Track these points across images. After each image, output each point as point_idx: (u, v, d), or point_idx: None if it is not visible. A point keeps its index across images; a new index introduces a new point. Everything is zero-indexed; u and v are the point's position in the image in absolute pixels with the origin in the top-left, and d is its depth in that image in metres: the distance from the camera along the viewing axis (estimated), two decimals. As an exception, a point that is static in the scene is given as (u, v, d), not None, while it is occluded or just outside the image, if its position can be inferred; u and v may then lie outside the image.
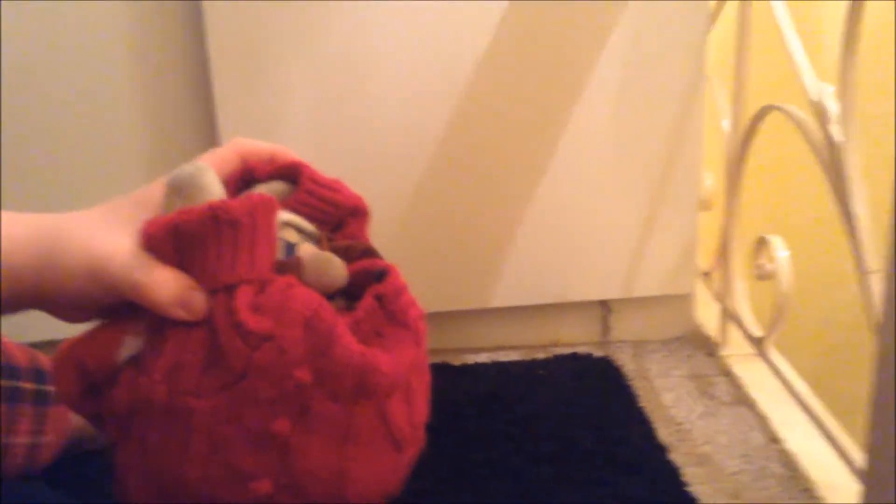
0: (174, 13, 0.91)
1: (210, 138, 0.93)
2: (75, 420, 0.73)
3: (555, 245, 0.97)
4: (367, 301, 0.40)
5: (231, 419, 0.37)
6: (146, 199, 0.41)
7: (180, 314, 0.38)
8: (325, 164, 0.47)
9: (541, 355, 0.99)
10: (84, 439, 0.78)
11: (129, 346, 0.40)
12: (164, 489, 0.38)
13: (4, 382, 0.66)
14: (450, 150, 0.92)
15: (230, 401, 0.37)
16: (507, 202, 0.95)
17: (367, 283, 0.41)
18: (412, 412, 0.42)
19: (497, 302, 0.99)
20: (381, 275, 0.41)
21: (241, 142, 0.46)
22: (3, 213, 0.41)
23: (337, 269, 0.41)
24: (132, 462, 0.39)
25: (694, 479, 0.76)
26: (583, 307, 1.02)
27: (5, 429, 0.65)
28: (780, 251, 0.80)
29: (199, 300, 0.38)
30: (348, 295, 0.42)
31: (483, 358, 1.00)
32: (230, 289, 0.37)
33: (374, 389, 0.38)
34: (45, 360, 0.73)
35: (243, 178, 0.45)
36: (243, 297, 0.37)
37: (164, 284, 0.38)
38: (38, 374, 0.70)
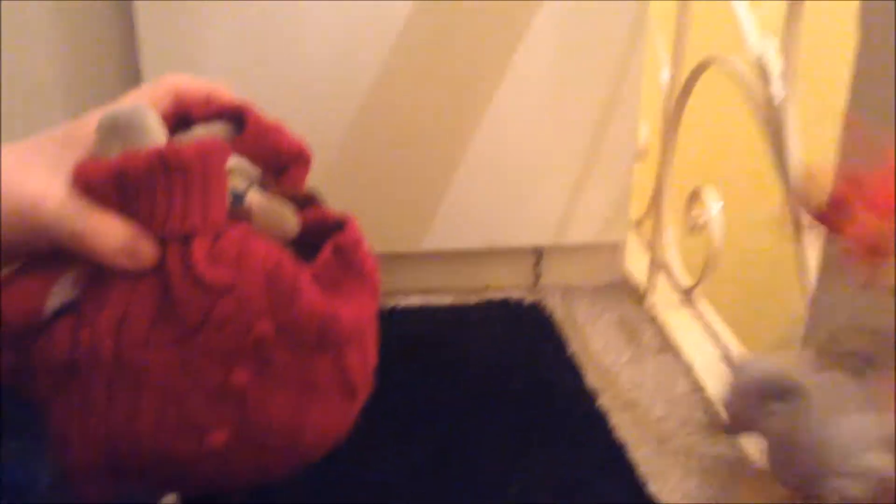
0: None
1: (132, 70, 0.87)
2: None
3: (489, 190, 0.96)
4: (326, 252, 0.38)
5: (186, 372, 0.35)
6: (74, 139, 0.38)
7: (126, 264, 0.35)
8: (250, 100, 0.45)
9: (472, 300, 0.99)
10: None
11: (59, 295, 0.37)
12: (111, 445, 0.36)
13: None
14: (384, 91, 0.90)
15: (185, 354, 0.35)
16: (443, 146, 0.93)
17: (320, 233, 0.39)
18: (366, 360, 0.41)
19: (429, 245, 0.98)
20: (340, 226, 0.39)
21: (174, 79, 0.43)
22: None
23: (289, 219, 0.39)
24: (73, 419, 0.36)
25: (621, 423, 0.78)
26: (515, 253, 1.02)
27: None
28: (714, 202, 0.82)
29: (146, 249, 0.35)
30: (296, 242, 0.40)
31: (413, 301, 0.99)
32: (184, 239, 0.35)
33: (334, 341, 0.37)
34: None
35: (177, 118, 0.42)
36: (200, 247, 0.35)
37: (108, 232, 0.35)
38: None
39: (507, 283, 1.03)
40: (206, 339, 0.35)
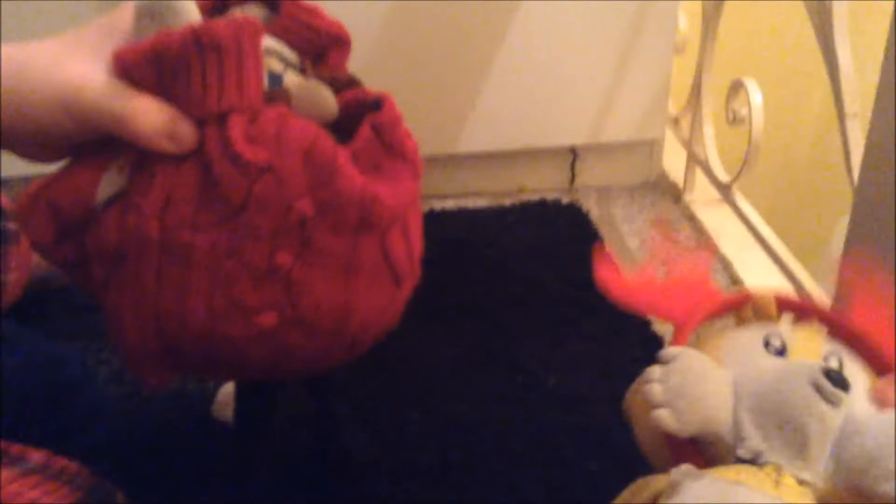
0: None
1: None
2: (37, 258, 0.71)
3: (523, 90, 0.94)
4: (365, 131, 0.38)
5: (231, 254, 0.36)
6: (113, 26, 0.38)
7: (167, 146, 0.36)
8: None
9: (508, 202, 0.99)
10: (47, 278, 0.77)
11: (108, 184, 0.37)
12: (163, 329, 0.37)
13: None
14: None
15: (229, 235, 0.35)
16: (475, 45, 0.91)
17: (359, 114, 0.39)
18: (410, 246, 0.41)
19: (463, 147, 0.97)
20: (377, 104, 0.39)
21: None
22: None
23: (328, 100, 0.38)
24: (126, 304, 0.37)
25: (657, 318, 0.78)
26: (550, 153, 1.01)
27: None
28: (755, 95, 0.80)
29: (186, 130, 0.36)
30: (337, 128, 0.40)
31: (449, 204, 0.99)
32: (221, 118, 0.35)
33: (376, 222, 0.37)
34: (2, 197, 0.70)
35: (214, 3, 0.42)
36: (237, 126, 0.35)
37: (148, 114, 0.35)
38: (-4, 212, 0.67)
39: (542, 185, 1.02)
40: (249, 219, 0.35)
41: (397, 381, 0.71)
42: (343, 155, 0.36)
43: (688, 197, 0.96)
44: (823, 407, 0.36)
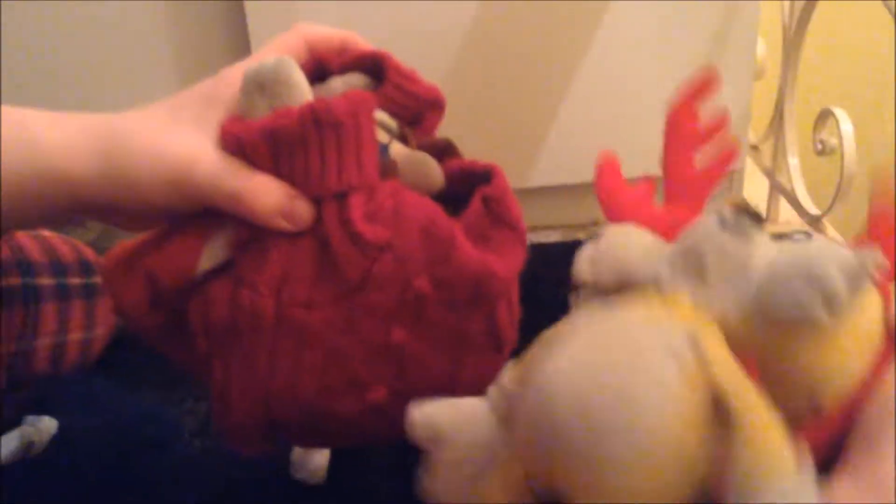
0: None
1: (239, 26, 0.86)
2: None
3: (598, 120, 0.92)
4: (476, 204, 0.37)
5: (346, 330, 0.35)
6: (215, 96, 0.37)
7: (283, 224, 0.35)
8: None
9: (582, 235, 0.97)
10: (124, 327, 0.77)
11: (210, 256, 0.37)
12: (272, 405, 0.37)
13: (54, 280, 0.64)
14: (487, 21, 0.87)
15: (345, 312, 0.35)
16: (549, 75, 0.90)
17: (465, 183, 0.38)
18: (512, 313, 0.40)
19: (536, 181, 0.96)
20: (488, 176, 0.38)
21: (306, 28, 0.41)
22: (40, 113, 0.36)
23: (435, 171, 0.38)
24: (233, 380, 0.37)
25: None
26: (625, 184, 0.98)
27: (59, 327, 0.64)
28: (845, 124, 0.76)
29: (303, 209, 0.35)
30: (438, 197, 0.39)
31: (522, 238, 0.97)
32: (340, 197, 0.34)
33: (488, 296, 0.36)
34: (88, 250, 0.70)
35: (312, 71, 0.41)
36: (356, 205, 0.34)
37: (265, 193, 0.34)
38: (84, 267, 0.68)
39: (617, 217, 1.00)
40: (367, 297, 0.35)
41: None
42: (459, 231, 0.35)
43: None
44: (725, 237, 0.36)
